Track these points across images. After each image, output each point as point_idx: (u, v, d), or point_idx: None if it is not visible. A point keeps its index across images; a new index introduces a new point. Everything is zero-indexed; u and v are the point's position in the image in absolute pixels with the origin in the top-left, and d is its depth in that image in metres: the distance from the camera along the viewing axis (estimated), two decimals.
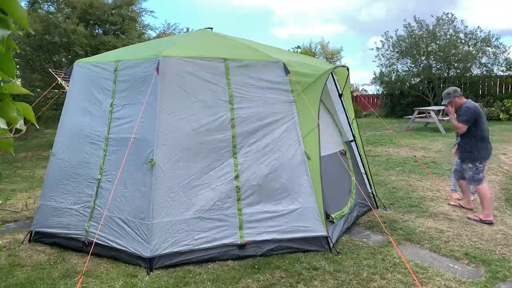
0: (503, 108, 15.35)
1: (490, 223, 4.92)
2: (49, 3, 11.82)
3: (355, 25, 40.90)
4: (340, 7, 41.49)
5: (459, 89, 5.28)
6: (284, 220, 4.06)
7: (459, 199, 5.72)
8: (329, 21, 41.79)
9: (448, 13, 16.85)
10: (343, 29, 41.73)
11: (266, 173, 4.09)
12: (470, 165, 5.06)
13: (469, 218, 5.10)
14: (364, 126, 14.89)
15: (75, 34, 10.53)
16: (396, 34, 18.08)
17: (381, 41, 18.62)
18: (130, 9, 12.40)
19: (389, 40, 18.26)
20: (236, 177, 4.02)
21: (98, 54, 8.95)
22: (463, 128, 5.05)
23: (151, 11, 14.47)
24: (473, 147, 5.04)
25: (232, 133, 4.07)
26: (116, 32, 12.21)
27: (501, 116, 15.10)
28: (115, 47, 10.78)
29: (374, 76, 19.18)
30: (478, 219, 5.03)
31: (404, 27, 17.77)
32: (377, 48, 18.71)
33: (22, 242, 4.50)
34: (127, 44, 11.28)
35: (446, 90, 5.30)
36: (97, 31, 12.16)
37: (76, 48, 10.62)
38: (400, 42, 17.74)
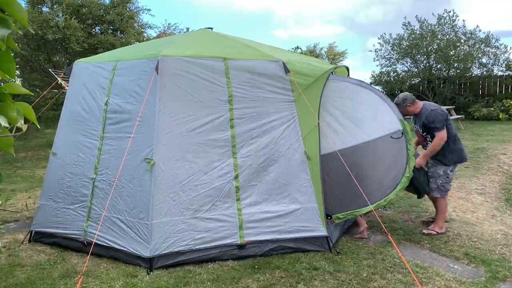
0: (502, 108, 15.34)
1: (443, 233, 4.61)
2: (43, 5, 11.80)
3: (354, 26, 41.11)
4: (340, 8, 41.76)
5: (409, 95, 4.67)
6: (284, 220, 4.06)
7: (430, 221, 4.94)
8: (329, 22, 42.02)
9: (450, 11, 16.81)
10: (343, 30, 41.96)
11: (266, 173, 4.09)
12: (441, 172, 4.52)
13: (423, 233, 4.63)
14: None
15: (69, 30, 10.48)
16: (391, 36, 18.04)
17: (379, 43, 18.60)
18: (127, 8, 12.35)
19: (387, 42, 18.22)
20: (236, 177, 4.02)
21: (96, 53, 8.95)
22: (444, 136, 4.42)
23: (148, 9, 14.34)
24: (445, 149, 4.48)
25: (231, 133, 4.06)
26: (115, 32, 12.19)
27: (501, 116, 15.08)
28: (113, 46, 10.76)
29: (373, 77, 19.15)
30: (435, 232, 4.61)
31: (403, 25, 17.72)
32: (376, 50, 18.69)
33: (22, 242, 4.49)
34: (126, 43, 11.27)
35: (396, 99, 4.65)
36: (94, 30, 12.14)
37: (72, 44, 10.55)
38: (400, 42, 17.70)
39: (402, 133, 4.38)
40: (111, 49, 9.11)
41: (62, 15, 10.88)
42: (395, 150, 4.35)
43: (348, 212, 4.21)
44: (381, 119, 4.45)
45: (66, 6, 10.89)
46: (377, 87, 19.48)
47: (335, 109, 4.48)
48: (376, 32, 43.85)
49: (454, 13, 16.67)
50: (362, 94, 4.58)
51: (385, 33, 18.50)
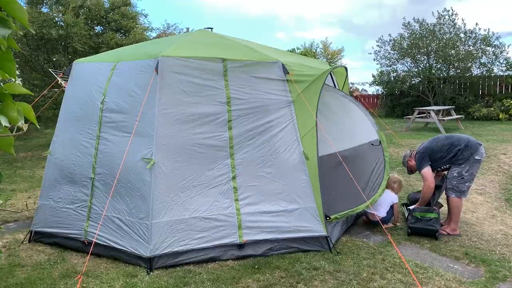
0: (503, 108, 15.33)
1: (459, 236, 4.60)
2: (43, 5, 11.79)
3: (354, 28, 41.45)
4: (339, 11, 42.32)
5: (407, 151, 5.11)
6: (283, 220, 4.06)
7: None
8: (329, 24, 42.44)
9: (449, 10, 16.81)
10: (342, 32, 42.35)
11: (265, 173, 4.09)
12: (454, 173, 4.56)
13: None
14: None
15: (75, 28, 10.47)
16: (390, 37, 18.07)
17: (377, 45, 18.60)
18: (128, 10, 12.39)
19: (386, 43, 18.22)
20: (234, 177, 4.03)
21: (98, 53, 8.91)
22: (426, 176, 4.58)
23: (145, 15, 14.38)
24: (445, 158, 4.63)
25: (229, 134, 4.06)
26: (117, 33, 12.19)
27: (501, 116, 15.07)
28: (118, 46, 10.75)
29: (373, 77, 19.16)
30: (446, 233, 4.61)
31: (403, 25, 17.73)
32: (375, 52, 18.69)
33: (22, 242, 4.49)
34: (130, 42, 11.26)
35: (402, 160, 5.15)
36: (97, 30, 12.14)
37: (75, 44, 10.54)
38: (401, 42, 17.69)
39: (380, 142, 5.06)
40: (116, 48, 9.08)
41: (63, 15, 10.88)
42: (375, 157, 5.01)
43: (344, 212, 4.31)
44: (363, 129, 5.07)
45: (71, 8, 10.89)
46: (377, 87, 19.54)
47: (324, 117, 4.65)
48: (374, 33, 44.34)
49: (453, 11, 16.69)
50: (347, 106, 5.08)
51: (382, 36, 18.54)
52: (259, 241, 4.01)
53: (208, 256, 3.90)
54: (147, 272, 3.71)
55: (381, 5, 40.00)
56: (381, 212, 4.76)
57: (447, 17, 16.81)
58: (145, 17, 13.93)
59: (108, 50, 10.52)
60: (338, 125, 4.87)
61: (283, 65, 4.21)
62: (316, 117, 4.20)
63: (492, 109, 15.42)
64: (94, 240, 3.83)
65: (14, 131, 1.19)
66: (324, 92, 4.65)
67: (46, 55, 11.75)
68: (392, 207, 4.85)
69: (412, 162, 4.90)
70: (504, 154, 8.76)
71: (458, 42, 16.53)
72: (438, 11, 17.03)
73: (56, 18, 10.78)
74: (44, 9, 11.68)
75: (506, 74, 16.58)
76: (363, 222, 4.99)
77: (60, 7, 11.14)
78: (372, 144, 5.12)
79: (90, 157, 4.26)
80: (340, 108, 5.02)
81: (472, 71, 16.94)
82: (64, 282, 3.61)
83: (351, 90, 19.41)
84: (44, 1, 11.66)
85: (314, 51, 23.22)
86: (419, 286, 3.32)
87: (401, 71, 18.49)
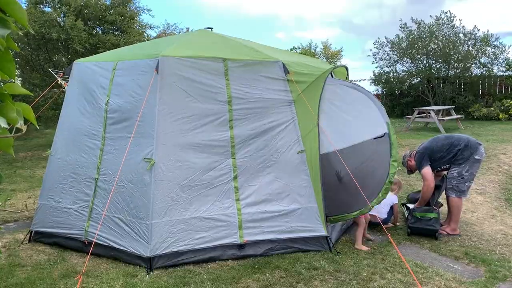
0: (502, 108, 15.32)
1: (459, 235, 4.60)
2: (45, 4, 11.76)
3: (354, 28, 41.56)
4: (339, 11, 42.49)
5: (407, 151, 5.10)
6: (284, 220, 4.06)
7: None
8: (329, 24, 42.57)
9: (446, 12, 16.82)
10: (342, 32, 42.46)
11: (265, 173, 4.09)
12: (455, 173, 4.59)
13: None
14: None
15: (74, 30, 10.47)
16: (387, 39, 18.06)
17: (375, 47, 18.60)
18: (128, 8, 12.33)
19: (383, 45, 18.23)
20: (235, 177, 4.02)
21: (97, 53, 8.91)
22: (426, 175, 4.58)
23: (149, 10, 14.19)
24: (445, 158, 4.65)
25: (230, 134, 4.06)
26: (116, 32, 12.16)
27: (500, 116, 15.07)
28: (116, 46, 10.73)
29: (373, 75, 19.14)
30: (446, 233, 4.62)
31: (400, 27, 17.74)
32: (374, 54, 18.67)
33: (22, 242, 4.49)
34: (128, 43, 11.23)
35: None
36: (96, 30, 12.12)
37: (75, 45, 10.54)
38: (399, 43, 17.70)
39: (385, 135, 4.29)
40: (113, 49, 9.05)
41: (64, 15, 10.86)
42: (379, 154, 4.27)
43: (339, 215, 4.14)
44: (369, 123, 4.39)
45: (73, 8, 10.86)
46: (377, 87, 19.51)
47: (325, 112, 4.36)
48: (374, 33, 44.45)
49: (451, 13, 16.70)
50: (352, 97, 4.52)
51: (379, 38, 18.56)
52: (260, 241, 4.01)
53: (208, 256, 3.90)
54: (147, 272, 3.71)
55: (381, 5, 40.10)
56: (381, 213, 4.76)
57: (445, 18, 16.82)
58: (148, 11, 13.76)
59: (105, 50, 10.52)
60: (346, 121, 4.43)
61: (283, 64, 4.21)
62: (318, 117, 4.19)
63: (492, 109, 15.41)
64: (94, 240, 3.83)
65: (13, 131, 1.19)
66: (329, 87, 4.44)
67: (47, 54, 11.74)
68: (392, 207, 4.85)
69: (412, 162, 4.91)
70: (504, 154, 8.75)
71: (458, 43, 16.53)
72: (436, 15, 17.02)
73: (58, 18, 10.75)
74: (47, 8, 11.65)
75: (506, 74, 16.58)
76: None
77: (62, 7, 11.11)
78: (374, 139, 4.36)
79: (95, 158, 4.26)
80: (346, 101, 4.54)
81: (472, 71, 16.94)
82: (64, 282, 3.61)
83: None
84: (46, 0, 11.64)
85: (313, 51, 23.22)
86: (419, 286, 3.32)
87: (401, 71, 18.49)
